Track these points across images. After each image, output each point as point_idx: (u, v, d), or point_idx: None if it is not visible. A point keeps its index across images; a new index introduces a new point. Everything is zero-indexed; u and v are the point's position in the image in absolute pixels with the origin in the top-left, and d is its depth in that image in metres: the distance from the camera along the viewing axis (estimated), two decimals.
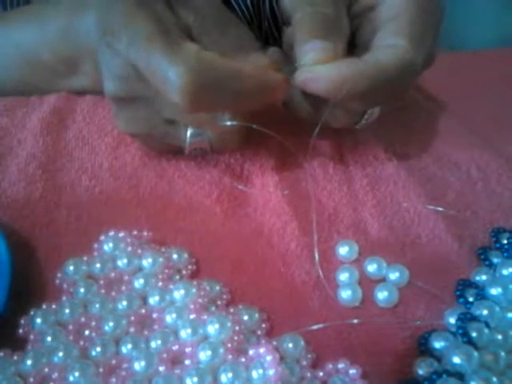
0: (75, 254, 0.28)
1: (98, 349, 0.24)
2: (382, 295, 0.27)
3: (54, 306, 0.26)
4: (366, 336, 0.25)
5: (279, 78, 0.27)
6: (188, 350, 0.24)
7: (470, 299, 0.26)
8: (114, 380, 0.23)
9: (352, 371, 0.23)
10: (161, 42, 0.25)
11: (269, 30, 0.45)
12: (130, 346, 0.24)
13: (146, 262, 0.27)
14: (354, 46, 0.31)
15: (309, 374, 0.23)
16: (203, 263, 0.28)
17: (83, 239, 0.29)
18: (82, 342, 0.24)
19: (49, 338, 0.24)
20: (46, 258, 0.28)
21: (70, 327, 0.25)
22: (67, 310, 0.25)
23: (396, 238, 0.30)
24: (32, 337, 0.24)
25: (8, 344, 0.24)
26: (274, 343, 0.24)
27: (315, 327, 0.25)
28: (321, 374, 0.23)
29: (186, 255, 0.28)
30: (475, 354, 0.23)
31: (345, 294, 0.27)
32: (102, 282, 0.27)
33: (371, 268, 0.28)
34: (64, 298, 0.26)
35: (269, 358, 0.23)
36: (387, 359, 0.24)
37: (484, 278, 0.27)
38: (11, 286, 0.25)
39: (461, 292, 0.27)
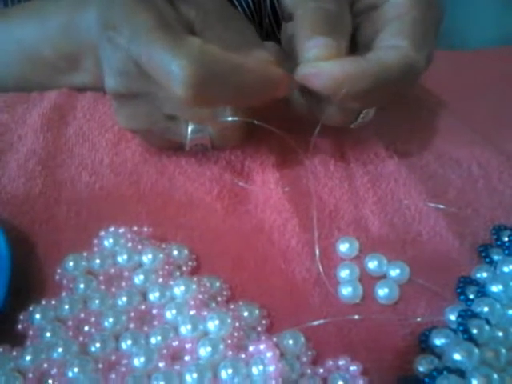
0: (75, 250, 0.28)
1: (98, 345, 0.24)
2: (382, 292, 0.27)
3: (53, 302, 0.25)
4: (367, 333, 0.25)
5: (282, 74, 0.27)
6: (188, 346, 0.24)
7: (471, 296, 0.26)
8: (113, 376, 0.23)
9: (352, 368, 0.23)
10: (163, 35, 0.25)
11: (270, 27, 0.45)
12: (129, 341, 0.24)
13: (146, 258, 0.27)
14: (354, 44, 0.31)
15: (309, 371, 0.23)
16: (203, 259, 0.28)
17: (83, 235, 0.29)
18: (81, 338, 0.24)
19: (48, 334, 0.24)
20: (46, 254, 0.28)
21: (70, 323, 0.25)
22: (67, 306, 0.25)
23: (397, 235, 0.30)
24: (31, 332, 0.24)
25: (7, 340, 0.24)
26: (274, 339, 0.24)
27: (316, 323, 0.25)
28: (321, 370, 0.23)
29: (186, 251, 0.28)
30: (476, 350, 0.23)
31: (345, 291, 0.27)
32: (101, 277, 0.27)
33: (372, 265, 0.28)
34: (64, 294, 0.26)
35: (269, 354, 0.23)
36: (388, 356, 0.24)
37: (485, 275, 0.27)
38: (11, 282, 0.25)
39: (461, 289, 0.27)
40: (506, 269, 0.27)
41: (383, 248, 0.29)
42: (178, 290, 0.26)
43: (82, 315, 0.25)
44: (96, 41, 0.29)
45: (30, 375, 0.23)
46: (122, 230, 0.28)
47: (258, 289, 0.27)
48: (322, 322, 0.25)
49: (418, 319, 0.26)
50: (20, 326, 0.25)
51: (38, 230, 0.29)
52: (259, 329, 0.25)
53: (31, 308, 0.25)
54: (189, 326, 0.24)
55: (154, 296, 0.26)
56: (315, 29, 0.28)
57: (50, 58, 0.36)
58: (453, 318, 0.25)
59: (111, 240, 0.28)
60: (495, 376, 0.22)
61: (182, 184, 0.32)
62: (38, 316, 0.25)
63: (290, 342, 0.24)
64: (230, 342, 0.24)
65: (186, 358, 0.24)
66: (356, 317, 0.25)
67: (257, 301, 0.26)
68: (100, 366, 0.23)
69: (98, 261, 0.27)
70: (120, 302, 0.25)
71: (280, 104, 0.29)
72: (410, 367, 0.24)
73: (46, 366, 0.23)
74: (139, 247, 0.28)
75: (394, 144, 0.35)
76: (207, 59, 0.25)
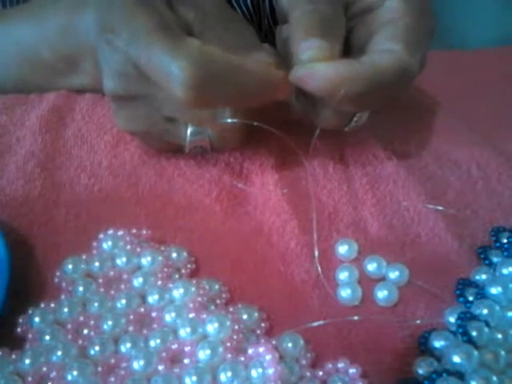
0: (74, 253, 0.28)
1: (97, 348, 0.24)
2: (381, 294, 0.27)
3: (52, 305, 0.25)
4: (366, 335, 0.25)
5: (282, 75, 0.27)
6: (187, 348, 0.24)
7: (470, 298, 0.26)
8: (112, 379, 0.23)
9: (352, 370, 0.23)
10: (162, 37, 0.25)
11: (269, 29, 0.45)
12: (128, 344, 0.24)
13: (145, 261, 0.27)
14: (348, 47, 0.31)
15: (308, 374, 0.23)
16: (202, 262, 0.28)
17: (82, 237, 0.29)
18: (80, 341, 0.24)
19: (47, 337, 0.24)
20: (45, 257, 0.28)
21: (69, 326, 0.25)
22: (66, 309, 0.25)
23: (396, 237, 0.30)
24: (30, 336, 0.24)
25: (6, 343, 0.24)
26: (274, 342, 0.24)
27: (315, 324, 0.25)
28: (320, 373, 0.23)
29: (185, 254, 0.28)
30: (475, 353, 0.23)
31: (344, 293, 0.27)
32: (100, 280, 0.27)
33: (371, 267, 0.28)
34: (63, 297, 0.26)
35: (268, 357, 0.23)
36: (387, 358, 0.24)
37: (484, 277, 0.27)
38: (9, 285, 0.25)
39: (461, 291, 0.27)
40: (505, 271, 0.27)
41: (382, 250, 0.29)
42: (177, 293, 0.26)
43: (81, 318, 0.25)
44: (94, 42, 0.29)
45: (30, 378, 0.23)
46: (120, 233, 0.28)
47: (257, 291, 0.27)
48: (321, 323, 0.25)
49: (418, 321, 0.26)
50: (19, 330, 0.25)
51: (36, 233, 0.29)
52: (258, 331, 0.25)
53: (30, 311, 0.25)
54: (188, 329, 0.24)
55: (153, 299, 0.26)
56: (310, 31, 0.28)
57: (48, 59, 0.35)
58: (452, 320, 0.25)
59: (110, 243, 0.28)
60: (494, 378, 0.22)
61: (181, 186, 0.32)
62: (37, 319, 0.25)
63: (290, 344, 0.24)
64: (229, 344, 0.24)
65: (186, 360, 0.24)
66: (355, 318, 0.25)
67: (256, 303, 0.26)
68: (99, 369, 0.23)
69: (97, 263, 0.27)
70: (119, 305, 0.25)
71: (279, 106, 0.29)
72: (409, 369, 0.24)
73: (45, 369, 0.23)
74: (138, 250, 0.28)
75: (393, 145, 0.35)
76: (207, 60, 0.25)
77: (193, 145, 0.30)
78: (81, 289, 0.26)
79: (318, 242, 0.28)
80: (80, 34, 0.34)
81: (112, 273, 0.27)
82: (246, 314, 0.25)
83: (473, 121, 0.38)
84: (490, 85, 0.44)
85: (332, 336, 0.25)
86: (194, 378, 0.22)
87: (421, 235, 0.30)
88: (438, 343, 0.24)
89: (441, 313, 0.26)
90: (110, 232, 0.28)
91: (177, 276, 0.27)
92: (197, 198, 0.31)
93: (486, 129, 0.38)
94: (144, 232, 0.29)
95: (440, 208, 0.31)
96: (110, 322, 0.24)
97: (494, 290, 0.26)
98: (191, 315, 0.25)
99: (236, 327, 0.24)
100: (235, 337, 0.24)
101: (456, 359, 0.23)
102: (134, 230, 0.29)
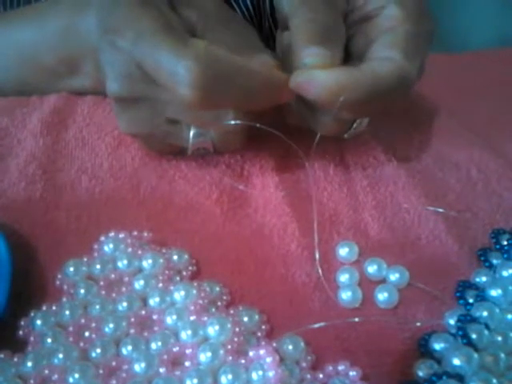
0: (75, 255, 0.28)
1: (98, 350, 0.24)
2: (382, 296, 0.27)
3: (54, 308, 0.25)
4: (366, 337, 0.25)
5: (285, 77, 0.27)
6: (188, 351, 0.24)
7: (470, 300, 0.26)
8: (114, 382, 0.23)
9: (352, 373, 0.23)
10: (168, 37, 0.25)
11: (269, 30, 0.45)
12: (130, 347, 0.24)
13: (147, 263, 0.27)
14: (347, 55, 0.31)
15: (309, 376, 0.23)
16: (203, 264, 0.28)
17: (83, 240, 0.29)
18: (82, 344, 0.24)
19: (49, 340, 0.24)
20: (46, 259, 0.28)
21: (70, 329, 0.25)
22: (67, 312, 0.25)
23: (396, 239, 0.30)
24: (32, 338, 0.24)
25: (8, 346, 0.24)
26: (274, 345, 0.24)
27: (316, 326, 0.25)
28: (321, 375, 0.23)
29: (186, 256, 0.28)
30: (475, 355, 0.23)
31: (345, 295, 0.27)
32: (102, 283, 0.27)
33: (371, 269, 0.28)
34: (64, 299, 0.26)
35: (269, 359, 0.23)
36: (387, 360, 0.24)
37: (484, 279, 0.27)
38: (11, 287, 0.25)
39: (461, 293, 0.27)
40: (505, 273, 0.27)
41: (382, 252, 0.29)
42: (178, 295, 0.26)
43: (83, 321, 0.25)
44: (96, 44, 0.29)
45: (32, 381, 0.23)
46: (122, 235, 0.28)
47: (258, 293, 0.27)
48: (321, 325, 0.25)
49: (418, 323, 0.26)
50: (21, 332, 0.25)
51: (38, 235, 0.29)
52: (259, 334, 0.25)
53: (32, 314, 0.25)
54: (189, 332, 0.24)
55: (154, 301, 0.26)
56: (310, 38, 0.28)
57: (49, 62, 0.36)
58: (452, 322, 0.25)
59: (111, 245, 0.28)
60: (494, 381, 0.22)
61: (182, 188, 0.32)
62: (38, 322, 0.25)
63: (290, 347, 0.24)
64: (229, 347, 0.24)
65: (187, 363, 0.24)
66: (356, 320, 0.25)
67: (256, 305, 0.26)
68: (101, 371, 0.23)
69: (98, 266, 0.27)
70: (120, 308, 0.26)
71: (279, 110, 0.30)
72: (409, 372, 0.24)
73: (47, 371, 0.23)
74: (139, 252, 0.28)
75: (393, 148, 0.35)
76: (213, 61, 0.25)
77: (195, 147, 0.30)
78: (82, 291, 0.26)
79: (318, 244, 0.28)
80: (81, 36, 0.34)
81: (113, 275, 0.27)
82: (246, 317, 0.25)
83: (472, 122, 0.38)
84: (489, 86, 0.44)
85: (332, 338, 0.25)
86: (195, 381, 0.22)
87: (421, 237, 0.30)
88: (438, 345, 0.24)
89: (441, 315, 0.26)
90: (112, 234, 0.28)
91: (178, 278, 0.27)
92: (198, 200, 0.31)
93: (485, 131, 0.38)
94: (145, 234, 0.29)
95: (440, 210, 0.31)
96: (111, 325, 0.24)
97: (494, 293, 0.26)
98: (192, 318, 0.25)
99: (237, 330, 0.24)
100: (236, 339, 0.24)
101: (456, 362, 0.23)
102: (135, 233, 0.29)
